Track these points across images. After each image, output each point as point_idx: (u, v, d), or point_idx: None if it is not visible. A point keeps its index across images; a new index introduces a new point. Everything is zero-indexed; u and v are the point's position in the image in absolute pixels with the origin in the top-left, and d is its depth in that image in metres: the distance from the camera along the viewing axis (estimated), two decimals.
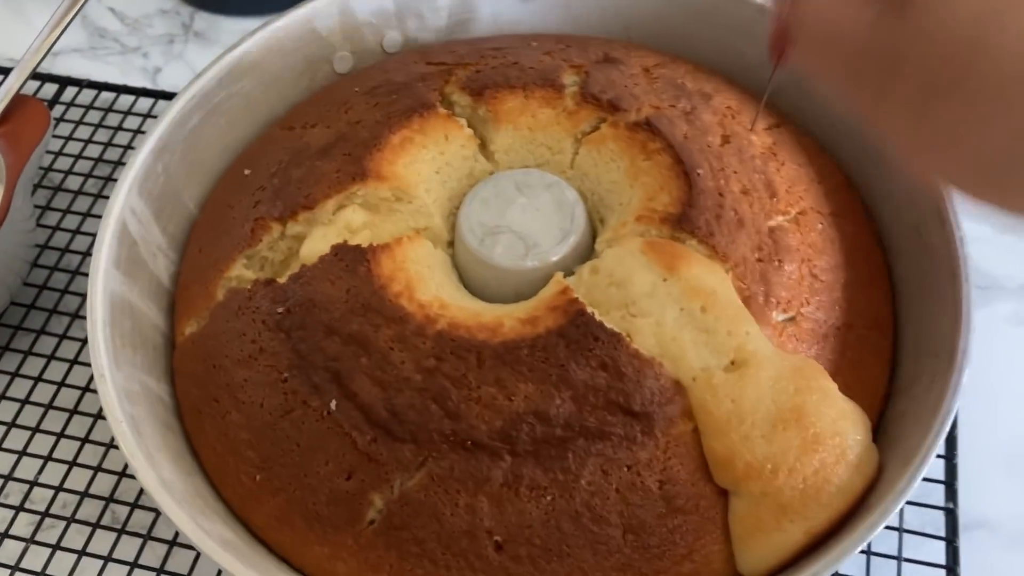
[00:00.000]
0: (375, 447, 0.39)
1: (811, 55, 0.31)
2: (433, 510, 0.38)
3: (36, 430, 0.56)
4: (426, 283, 0.42)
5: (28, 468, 0.55)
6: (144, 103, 0.71)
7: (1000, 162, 0.28)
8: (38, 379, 0.58)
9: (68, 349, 0.59)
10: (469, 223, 0.44)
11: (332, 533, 0.39)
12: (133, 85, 0.72)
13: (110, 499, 0.53)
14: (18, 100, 0.60)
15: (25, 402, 0.57)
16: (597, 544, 0.38)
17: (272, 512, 0.41)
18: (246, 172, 0.49)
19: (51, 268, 0.63)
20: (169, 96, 0.70)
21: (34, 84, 0.72)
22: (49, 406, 0.57)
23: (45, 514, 0.53)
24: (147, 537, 0.51)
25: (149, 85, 0.74)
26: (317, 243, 0.44)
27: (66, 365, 0.59)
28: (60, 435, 0.56)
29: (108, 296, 0.43)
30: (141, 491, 0.53)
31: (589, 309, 0.39)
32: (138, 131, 0.69)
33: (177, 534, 0.51)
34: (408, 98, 0.48)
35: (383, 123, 0.47)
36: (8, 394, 0.58)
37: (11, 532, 0.53)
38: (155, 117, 0.69)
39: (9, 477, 0.54)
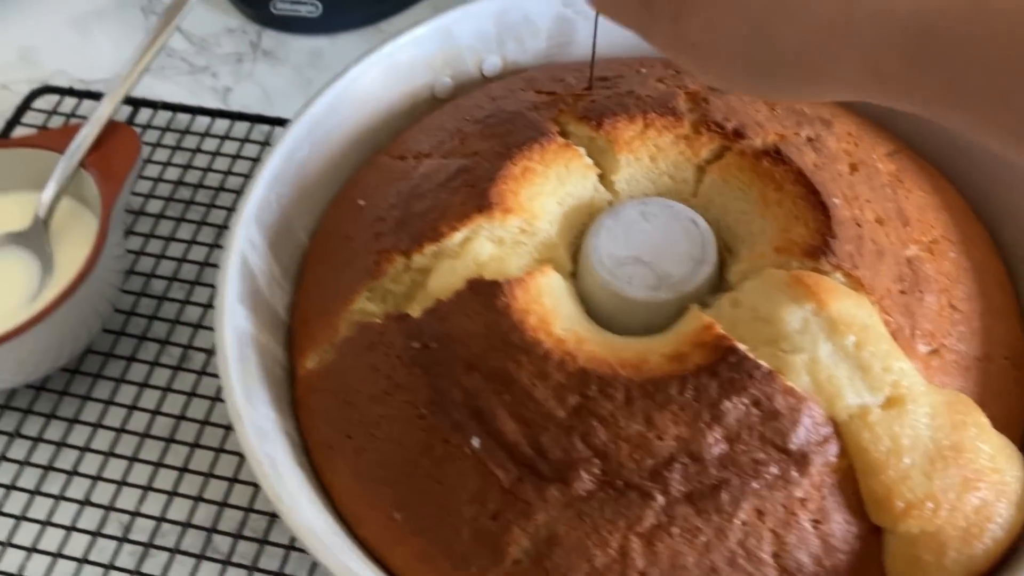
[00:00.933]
0: (521, 485, 0.39)
1: None
2: (583, 550, 0.38)
3: (133, 459, 0.55)
4: (560, 316, 0.42)
5: (128, 498, 0.54)
6: (220, 124, 0.70)
7: (748, 50, 0.32)
8: (132, 407, 0.58)
9: (160, 376, 0.59)
10: (598, 254, 0.43)
11: (477, 573, 0.39)
12: (206, 106, 0.72)
13: (212, 530, 0.53)
14: (111, 127, 0.60)
15: (120, 431, 0.57)
16: None
17: (414, 552, 0.40)
18: (360, 203, 0.48)
19: (137, 294, 0.62)
20: (246, 117, 0.70)
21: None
22: (145, 435, 0.56)
23: (149, 544, 0.52)
24: (253, 569, 0.51)
25: (220, 105, 0.74)
26: (446, 276, 0.43)
27: (158, 393, 0.58)
28: (158, 464, 0.55)
29: (234, 332, 0.43)
30: (244, 521, 0.53)
31: (741, 346, 0.39)
32: (216, 153, 0.69)
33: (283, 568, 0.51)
34: (525, 128, 0.47)
35: (503, 154, 0.46)
36: (104, 422, 0.57)
37: (116, 564, 0.52)
38: (233, 139, 0.69)
39: (111, 507, 0.54)
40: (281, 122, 0.69)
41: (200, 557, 0.52)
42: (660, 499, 0.38)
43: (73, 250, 0.59)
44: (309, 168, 0.50)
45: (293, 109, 0.71)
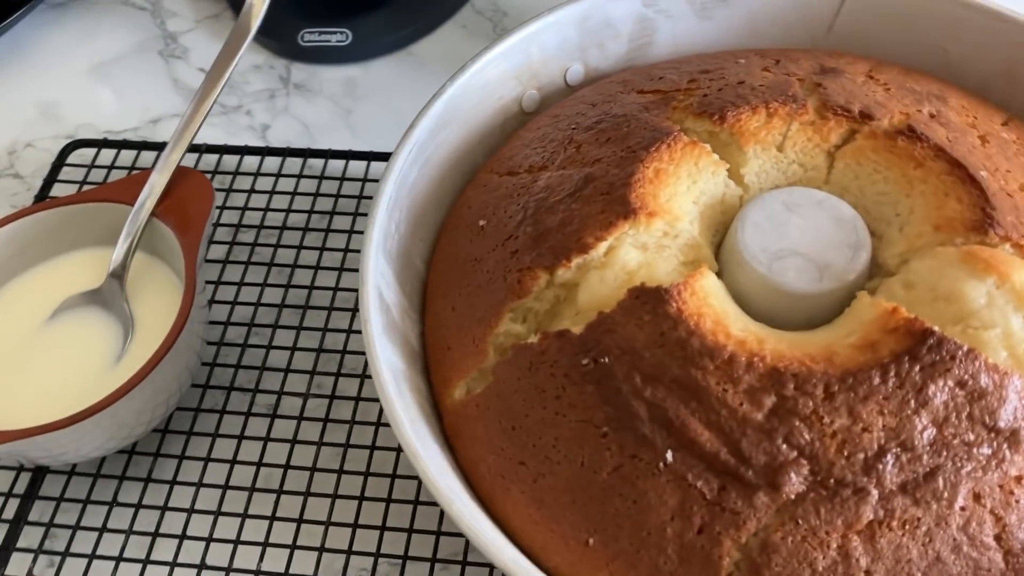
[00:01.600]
0: (726, 495, 0.37)
1: None
2: (802, 555, 0.36)
3: (245, 516, 0.53)
4: (731, 317, 0.40)
5: (247, 557, 0.52)
6: (270, 162, 0.68)
7: None
8: (233, 462, 0.55)
9: (256, 427, 0.56)
10: (750, 250, 0.42)
11: None
12: (250, 144, 0.69)
13: None
14: (178, 173, 0.57)
15: (226, 487, 0.54)
16: (980, 571, 0.36)
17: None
18: (481, 223, 0.47)
19: (218, 344, 0.60)
20: (295, 153, 0.68)
21: (149, 155, 0.69)
22: (253, 488, 0.54)
23: None
24: None
25: (259, 143, 0.72)
26: (597, 288, 0.42)
27: (258, 444, 0.56)
28: (272, 518, 0.53)
29: (388, 367, 0.41)
30: (376, 564, 0.51)
31: (935, 327, 0.38)
32: (272, 192, 0.66)
33: None
34: (644, 129, 0.46)
35: (628, 158, 0.45)
36: (206, 480, 0.54)
37: None
38: (287, 176, 0.67)
39: (231, 569, 0.51)
40: (332, 154, 0.67)
41: None
42: (875, 493, 0.36)
43: (151, 305, 0.56)
44: (417, 193, 0.49)
45: (337, 140, 0.70)
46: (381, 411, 0.56)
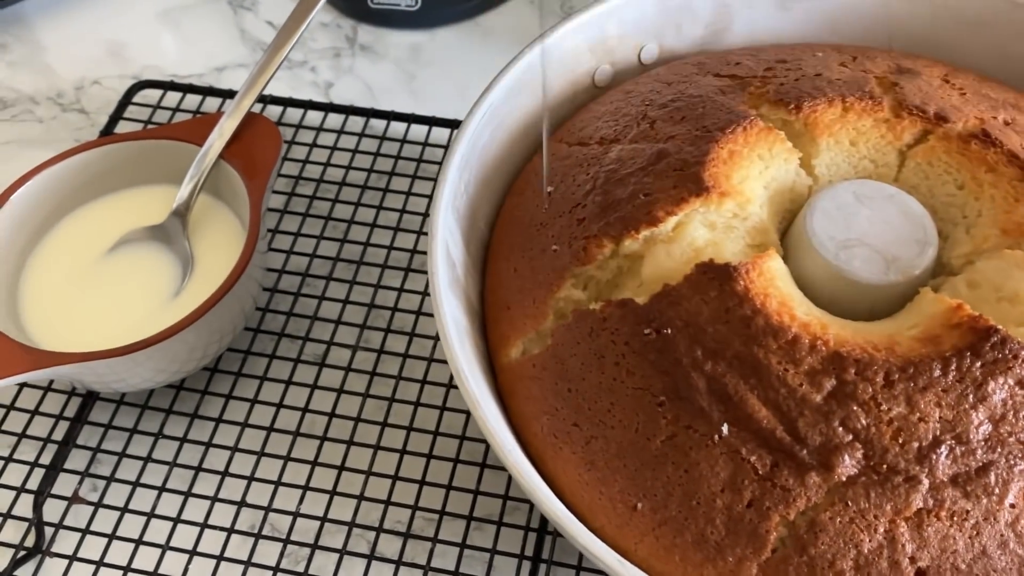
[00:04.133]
0: (778, 472, 0.38)
1: None
2: (849, 536, 0.37)
3: (288, 458, 0.54)
4: (796, 300, 0.41)
5: (287, 498, 0.53)
6: (333, 119, 0.69)
7: None
8: (280, 405, 0.56)
9: (305, 374, 0.57)
10: (819, 237, 0.43)
11: (733, 562, 0.38)
12: (315, 100, 0.70)
13: (379, 529, 0.51)
14: (248, 119, 0.58)
15: (271, 429, 0.55)
16: None
17: (661, 542, 0.39)
18: (549, 189, 0.47)
19: (271, 290, 0.61)
20: (358, 112, 0.68)
21: (214, 101, 0.70)
22: (297, 433, 0.55)
23: (315, 547, 0.51)
24: (423, 567, 0.49)
25: (323, 99, 0.72)
26: (663, 261, 0.42)
27: (305, 390, 0.57)
28: (314, 463, 0.54)
29: (452, 321, 0.42)
30: (412, 519, 0.51)
31: (999, 326, 0.38)
32: (334, 148, 0.67)
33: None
34: (720, 111, 0.46)
35: (704, 137, 0.45)
36: (252, 421, 0.55)
37: (283, 567, 0.50)
38: (349, 134, 0.67)
39: (270, 508, 0.52)
40: (394, 116, 0.68)
41: (370, 557, 0.50)
42: (926, 482, 0.37)
43: (211, 245, 0.57)
44: (488, 156, 0.49)
45: (399, 104, 0.71)
46: (427, 369, 0.56)
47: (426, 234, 0.53)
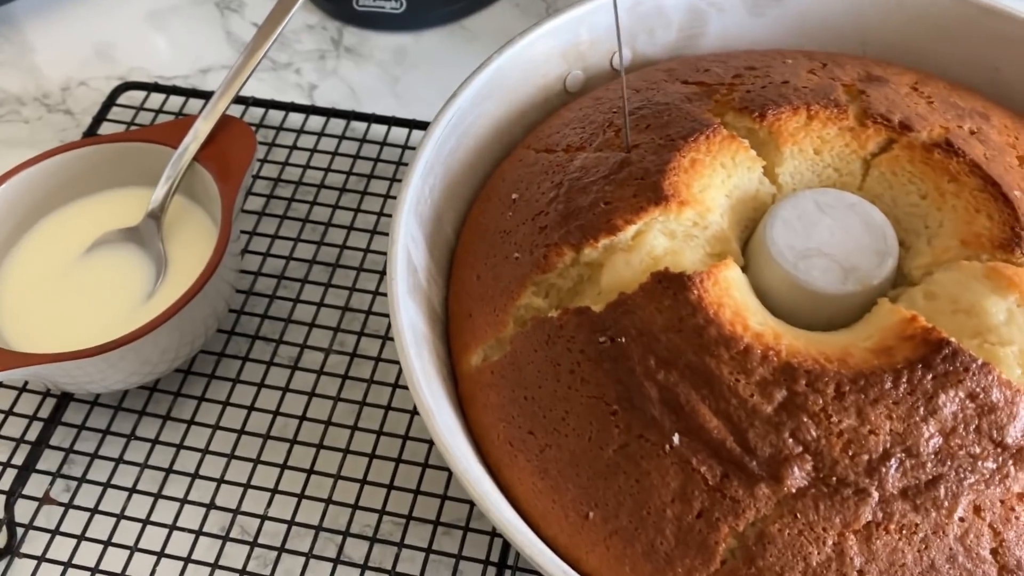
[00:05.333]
0: (728, 483, 0.38)
1: None
2: (798, 549, 0.37)
3: (258, 461, 0.54)
4: (751, 310, 0.41)
5: (255, 501, 0.53)
6: (314, 121, 0.69)
7: None
8: (251, 408, 0.56)
9: (277, 376, 0.57)
10: (778, 246, 0.43)
11: (683, 573, 0.38)
12: (296, 102, 0.70)
13: (345, 533, 0.51)
14: (223, 122, 0.58)
15: (242, 432, 0.55)
16: None
17: (611, 551, 0.39)
18: (513, 196, 0.47)
19: (246, 292, 0.61)
20: (339, 114, 0.69)
21: (197, 103, 0.70)
22: (267, 436, 0.55)
23: (281, 549, 0.51)
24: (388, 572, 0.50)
25: (306, 102, 0.72)
26: (621, 270, 0.42)
27: (277, 393, 0.57)
28: (283, 466, 0.54)
29: (410, 327, 0.42)
30: (379, 524, 0.52)
31: (951, 338, 0.38)
32: (314, 150, 0.67)
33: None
34: (684, 119, 0.46)
35: (666, 146, 0.45)
36: (223, 424, 0.56)
37: (249, 569, 0.50)
38: (329, 136, 0.68)
39: (238, 511, 0.52)
40: (375, 119, 0.68)
41: (336, 561, 0.50)
42: (875, 495, 0.37)
43: (185, 247, 0.57)
44: (454, 161, 0.49)
45: (382, 106, 0.71)
46: (399, 374, 0.57)
47: None
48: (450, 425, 0.40)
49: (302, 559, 0.51)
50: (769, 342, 0.39)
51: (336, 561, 0.50)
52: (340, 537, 0.51)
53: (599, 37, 0.54)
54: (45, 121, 0.71)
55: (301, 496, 0.53)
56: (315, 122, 0.69)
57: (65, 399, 0.56)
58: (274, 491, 0.53)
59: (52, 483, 0.53)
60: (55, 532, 0.51)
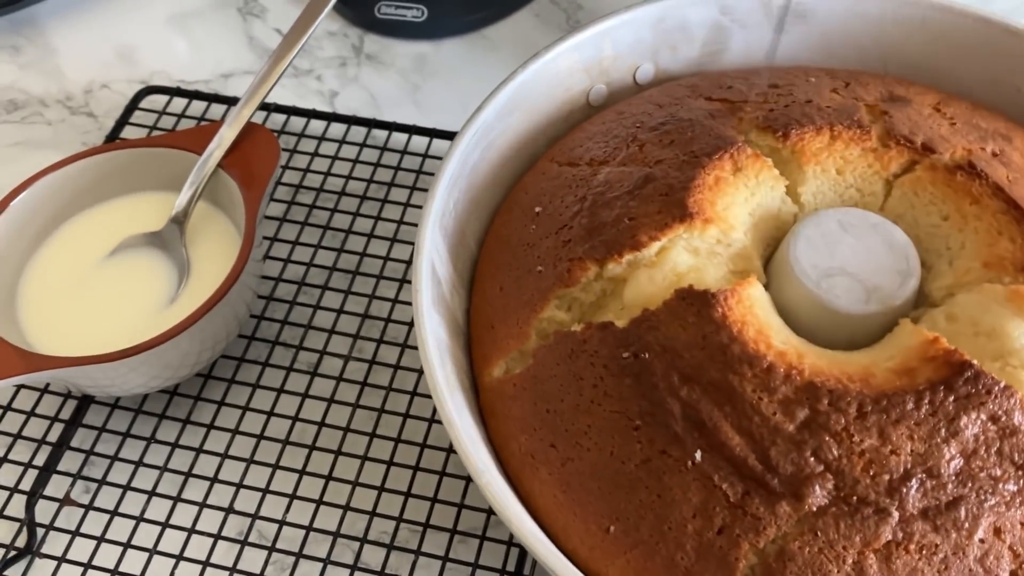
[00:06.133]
0: (749, 500, 0.38)
1: None
2: (818, 567, 0.37)
3: (276, 466, 0.54)
4: (774, 328, 0.41)
5: (274, 506, 0.53)
6: (336, 128, 0.70)
7: None
8: (271, 413, 0.57)
9: (296, 382, 0.58)
10: (801, 265, 0.43)
11: None
12: (318, 109, 0.71)
13: (363, 540, 0.52)
14: (247, 129, 0.59)
15: (261, 437, 0.56)
16: None
17: (633, 566, 0.39)
18: (536, 210, 0.48)
19: (267, 298, 0.61)
20: (361, 122, 0.69)
21: (218, 107, 0.71)
22: (286, 441, 0.55)
23: (299, 555, 0.51)
24: None
25: (327, 109, 0.73)
26: (644, 286, 0.43)
27: (296, 399, 0.57)
28: (302, 472, 0.54)
29: (434, 338, 0.42)
30: (396, 531, 0.52)
31: (974, 360, 0.38)
32: (335, 157, 0.68)
33: None
34: (708, 136, 0.47)
35: (690, 163, 0.45)
36: (242, 428, 0.56)
37: (266, 574, 0.51)
38: (350, 144, 0.68)
39: (256, 516, 0.53)
40: (396, 127, 0.68)
41: (353, 567, 0.51)
42: (896, 515, 0.37)
43: (208, 252, 0.58)
44: (479, 174, 0.50)
45: (402, 114, 0.71)
46: (418, 381, 0.57)
47: None
48: (471, 434, 0.41)
49: (320, 565, 0.51)
50: (792, 361, 0.39)
51: (353, 568, 0.51)
52: (357, 544, 0.52)
53: (622, 52, 0.55)
54: (68, 123, 0.72)
55: (319, 502, 0.53)
56: (336, 129, 0.70)
57: (86, 401, 0.57)
58: (292, 496, 0.53)
59: (72, 484, 0.54)
60: (75, 533, 0.52)
